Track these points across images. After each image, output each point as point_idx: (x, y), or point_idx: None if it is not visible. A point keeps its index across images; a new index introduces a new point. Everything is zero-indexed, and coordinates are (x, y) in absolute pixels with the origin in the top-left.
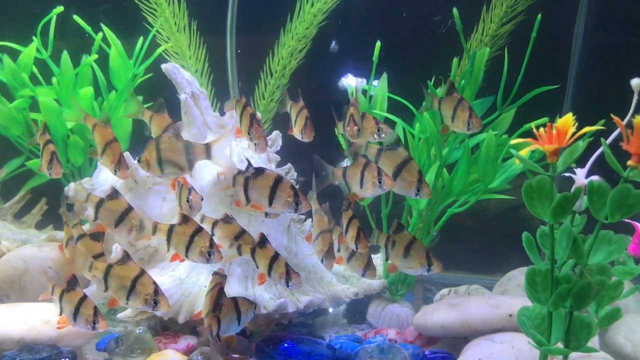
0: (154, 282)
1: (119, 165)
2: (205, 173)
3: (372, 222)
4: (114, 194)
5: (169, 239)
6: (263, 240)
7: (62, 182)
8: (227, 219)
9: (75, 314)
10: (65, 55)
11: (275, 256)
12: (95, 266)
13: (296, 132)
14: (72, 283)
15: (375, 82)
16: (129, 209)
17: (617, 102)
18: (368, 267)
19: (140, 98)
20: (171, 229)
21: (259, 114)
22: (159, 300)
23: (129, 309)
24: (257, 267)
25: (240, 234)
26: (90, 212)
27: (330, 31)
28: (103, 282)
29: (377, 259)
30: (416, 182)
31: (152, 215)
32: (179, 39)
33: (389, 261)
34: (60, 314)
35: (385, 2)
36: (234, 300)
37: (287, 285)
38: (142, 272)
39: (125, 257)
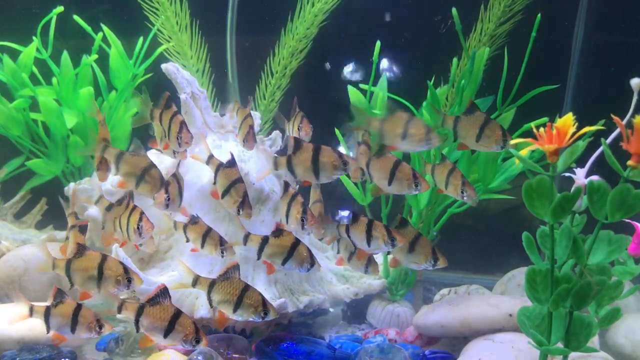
0: (121, 263)
1: (100, 166)
2: (205, 173)
3: None
4: (126, 198)
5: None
6: (279, 230)
7: (62, 182)
8: (194, 220)
9: (74, 325)
10: (65, 55)
11: (297, 242)
12: (57, 264)
13: (293, 131)
14: (59, 296)
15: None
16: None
17: (617, 102)
18: (370, 264)
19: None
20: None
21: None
22: (132, 278)
23: None
24: (258, 258)
25: (207, 232)
26: (95, 212)
27: (331, 31)
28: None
29: (378, 258)
30: (413, 179)
31: (151, 215)
32: (180, 39)
33: (391, 255)
34: (48, 332)
35: (385, 2)
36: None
37: (308, 270)
38: (105, 257)
39: (82, 249)
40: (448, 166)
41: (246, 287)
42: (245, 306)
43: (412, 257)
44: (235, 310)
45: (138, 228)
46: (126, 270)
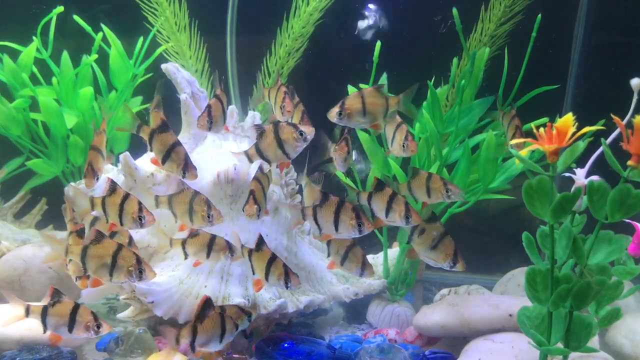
0: (135, 254)
1: (87, 172)
2: (205, 173)
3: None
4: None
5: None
6: (259, 244)
7: (62, 182)
8: (194, 233)
9: (72, 324)
10: (65, 55)
11: (273, 258)
12: (71, 250)
13: (275, 106)
14: (57, 295)
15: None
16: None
17: (617, 102)
18: (365, 266)
19: (139, 98)
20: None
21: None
22: (144, 269)
23: (129, 309)
24: (253, 273)
25: (212, 241)
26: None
27: (328, 30)
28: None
29: (378, 258)
30: (403, 140)
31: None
32: (179, 39)
33: (410, 244)
34: (45, 332)
35: (385, 2)
36: (221, 315)
37: (286, 287)
38: (121, 247)
39: (100, 236)
40: (424, 176)
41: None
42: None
43: (432, 253)
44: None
45: (140, 219)
46: (139, 261)
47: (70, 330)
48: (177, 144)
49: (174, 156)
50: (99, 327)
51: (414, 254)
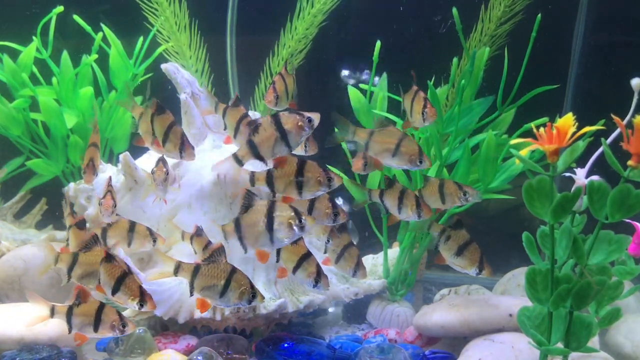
0: (123, 269)
1: (87, 169)
2: (205, 173)
3: (372, 223)
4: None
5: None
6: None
7: (62, 182)
8: (199, 232)
9: (97, 324)
10: (65, 55)
11: (308, 254)
12: (61, 258)
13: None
14: (81, 296)
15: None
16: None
17: (617, 102)
18: (358, 267)
19: (139, 98)
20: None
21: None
22: (146, 301)
23: (128, 309)
24: (277, 261)
25: (207, 244)
26: (93, 212)
27: (330, 31)
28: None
29: (378, 258)
30: (417, 154)
31: (152, 215)
32: (179, 39)
33: (439, 250)
34: (70, 332)
35: (386, 2)
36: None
37: (314, 286)
38: (111, 257)
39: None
40: (436, 182)
41: (233, 270)
42: (233, 290)
43: (458, 260)
44: (222, 295)
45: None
46: (124, 275)
47: (96, 329)
48: (174, 123)
49: (172, 136)
50: (124, 326)
51: (442, 259)
